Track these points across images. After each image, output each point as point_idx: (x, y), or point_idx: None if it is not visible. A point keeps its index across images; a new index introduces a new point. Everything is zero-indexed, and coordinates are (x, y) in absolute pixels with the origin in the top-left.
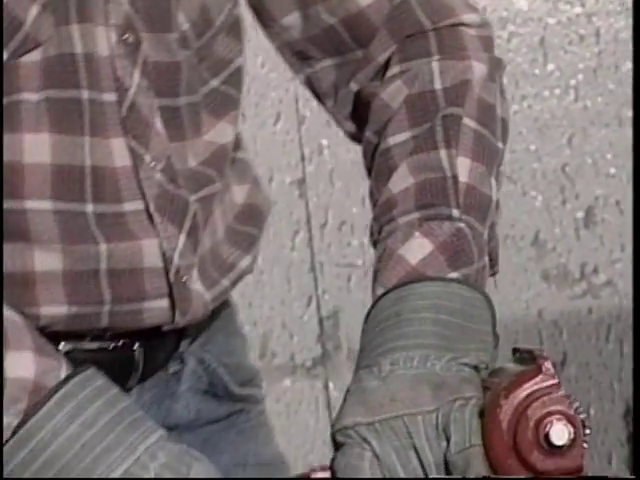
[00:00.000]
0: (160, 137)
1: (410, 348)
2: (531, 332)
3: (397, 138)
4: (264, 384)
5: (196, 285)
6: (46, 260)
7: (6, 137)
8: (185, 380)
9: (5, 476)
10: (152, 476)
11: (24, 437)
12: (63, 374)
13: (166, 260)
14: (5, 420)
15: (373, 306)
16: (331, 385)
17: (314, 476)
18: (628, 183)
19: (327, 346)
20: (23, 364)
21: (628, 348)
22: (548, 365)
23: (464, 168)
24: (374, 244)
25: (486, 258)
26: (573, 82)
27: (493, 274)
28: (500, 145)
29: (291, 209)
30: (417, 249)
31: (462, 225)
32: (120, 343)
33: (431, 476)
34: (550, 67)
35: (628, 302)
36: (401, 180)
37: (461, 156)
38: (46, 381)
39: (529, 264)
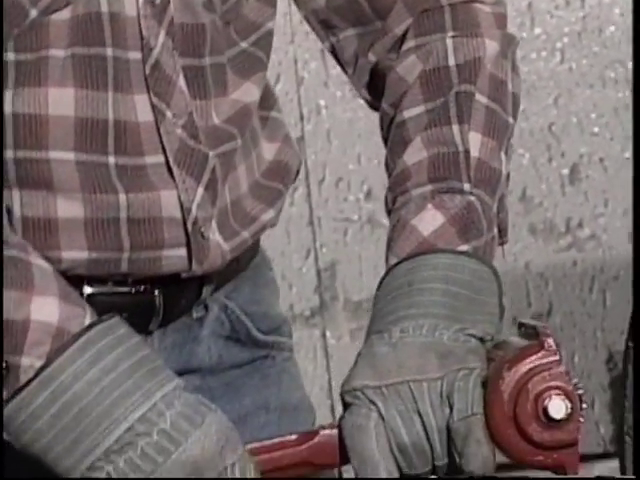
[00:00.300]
0: (182, 95)
1: (420, 317)
2: (518, 284)
3: (412, 112)
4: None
5: (214, 236)
6: (68, 208)
7: (32, 91)
8: (207, 325)
9: (26, 419)
10: (168, 423)
11: (46, 379)
12: (87, 321)
13: (184, 211)
14: (27, 361)
15: (386, 274)
16: (328, 334)
17: (323, 432)
18: (611, 141)
19: (324, 297)
20: (48, 309)
21: (611, 299)
22: (550, 342)
23: (475, 143)
24: (388, 213)
25: (495, 230)
26: (559, 45)
27: (502, 243)
28: (511, 120)
29: None
30: (429, 221)
31: (473, 199)
32: (141, 288)
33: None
34: (537, 31)
35: (611, 255)
36: (415, 153)
37: (473, 131)
38: (69, 327)
39: (517, 219)
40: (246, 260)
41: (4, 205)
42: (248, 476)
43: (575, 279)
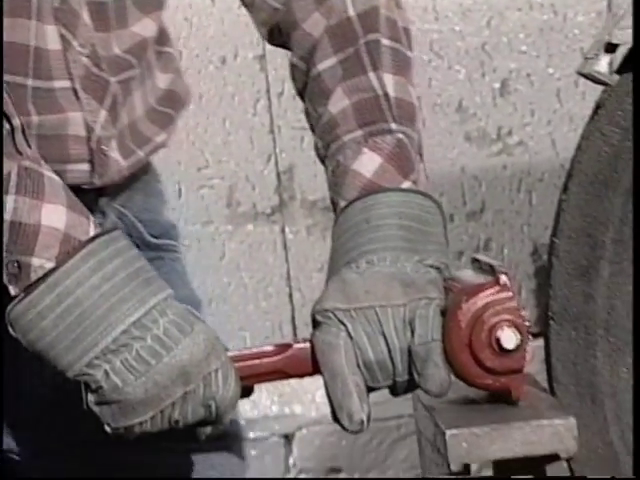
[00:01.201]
0: (87, 27)
1: (381, 250)
2: (455, 185)
3: (325, 64)
4: (229, 228)
5: (114, 154)
6: None
7: None
8: None
9: (33, 317)
10: (161, 330)
11: (52, 284)
12: (91, 230)
13: (89, 130)
14: (37, 262)
15: (340, 214)
16: (287, 229)
17: (296, 345)
18: (537, 58)
19: (284, 197)
20: (56, 216)
21: (536, 198)
22: (505, 279)
23: (390, 84)
24: (321, 158)
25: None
26: None
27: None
28: (409, 53)
29: (253, 80)
30: (368, 163)
31: (400, 136)
32: None
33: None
34: None
35: (537, 159)
36: (338, 102)
37: (386, 74)
38: (75, 233)
39: (453, 127)
40: (138, 175)
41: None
42: (229, 381)
43: (505, 181)
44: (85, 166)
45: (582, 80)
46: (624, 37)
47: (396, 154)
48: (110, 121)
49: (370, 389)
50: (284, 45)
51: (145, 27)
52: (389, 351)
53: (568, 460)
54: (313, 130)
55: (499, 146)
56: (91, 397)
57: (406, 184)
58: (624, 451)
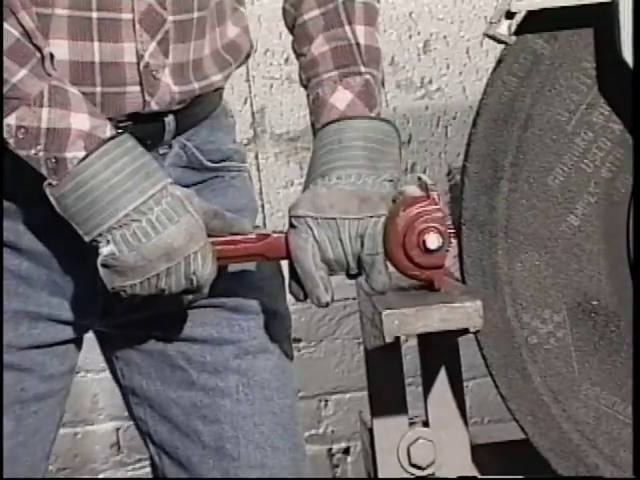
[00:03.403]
0: None
1: (348, 167)
2: None
3: (310, 14)
4: None
5: (166, 79)
6: (56, 51)
7: None
8: (169, 158)
9: (59, 196)
10: (154, 216)
11: (74, 174)
12: (107, 130)
13: (139, 57)
14: (70, 155)
15: (319, 131)
16: (260, 156)
17: (274, 235)
18: (451, 24)
19: (257, 130)
20: (81, 121)
21: (450, 132)
22: (435, 196)
23: (362, 34)
24: (305, 87)
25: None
26: None
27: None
28: (377, 5)
29: None
30: (342, 98)
31: (368, 77)
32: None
33: None
34: None
35: (451, 102)
36: (319, 47)
37: (358, 25)
38: (97, 132)
39: (387, 77)
40: (206, 112)
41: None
42: (207, 261)
43: (427, 118)
44: (137, 88)
45: (487, 40)
46: (521, 6)
47: (364, 92)
48: (160, 52)
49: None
50: None
51: None
52: (344, 253)
53: (475, 333)
54: (298, 61)
55: (422, 92)
56: (98, 259)
57: (371, 114)
58: (518, 326)
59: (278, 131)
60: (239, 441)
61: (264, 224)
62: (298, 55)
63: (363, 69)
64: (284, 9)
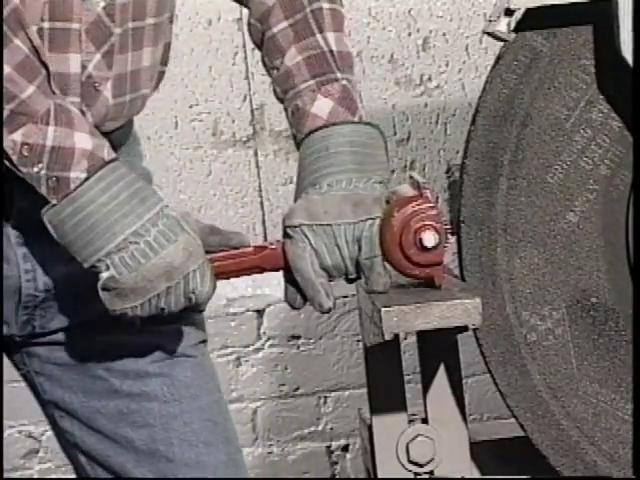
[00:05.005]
0: None
1: (338, 173)
2: (387, 119)
3: (279, 27)
4: (214, 152)
5: (106, 92)
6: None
7: None
8: None
9: (57, 223)
10: (152, 237)
11: (71, 199)
12: (106, 151)
13: (83, 68)
14: (74, 174)
15: (305, 139)
16: (259, 153)
17: (270, 247)
18: (451, 22)
19: (256, 127)
20: (84, 140)
21: (449, 129)
22: (428, 194)
23: (333, 41)
24: (280, 100)
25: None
26: None
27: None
28: (342, 10)
29: (232, 37)
30: (324, 106)
31: (345, 82)
32: None
33: None
34: None
35: (450, 99)
36: (292, 58)
37: (329, 32)
38: (98, 152)
39: (387, 74)
40: (126, 136)
41: None
42: (206, 279)
43: (426, 115)
44: (77, 99)
45: (486, 38)
46: (520, 3)
47: (344, 97)
48: (105, 64)
49: (330, 280)
50: (246, 6)
51: None
52: (342, 258)
53: (474, 330)
54: (270, 75)
55: (421, 89)
56: (98, 284)
57: (354, 119)
58: (517, 323)
59: (277, 128)
60: (172, 441)
61: (263, 222)
62: (270, 69)
63: (339, 75)
64: (250, 24)
